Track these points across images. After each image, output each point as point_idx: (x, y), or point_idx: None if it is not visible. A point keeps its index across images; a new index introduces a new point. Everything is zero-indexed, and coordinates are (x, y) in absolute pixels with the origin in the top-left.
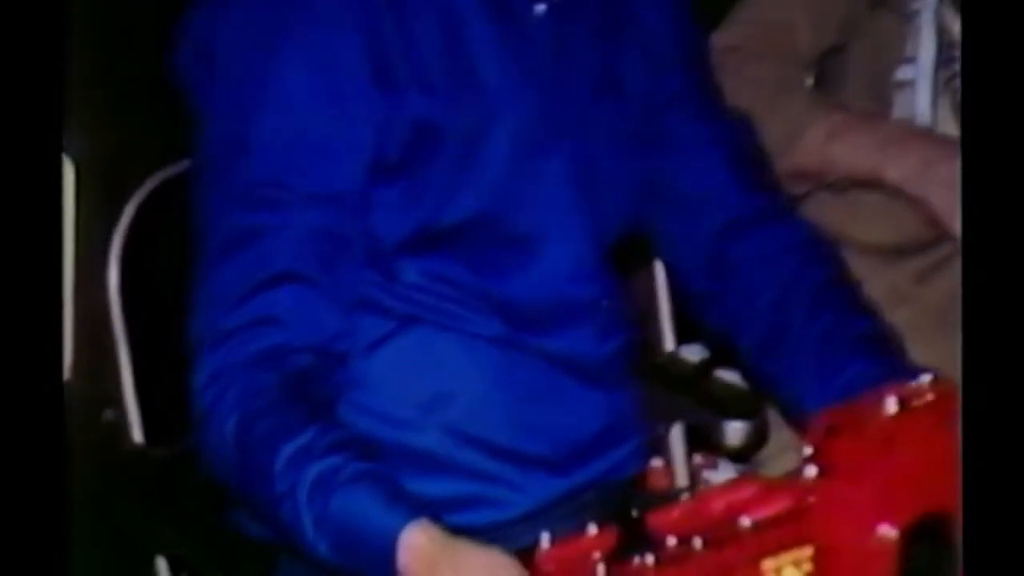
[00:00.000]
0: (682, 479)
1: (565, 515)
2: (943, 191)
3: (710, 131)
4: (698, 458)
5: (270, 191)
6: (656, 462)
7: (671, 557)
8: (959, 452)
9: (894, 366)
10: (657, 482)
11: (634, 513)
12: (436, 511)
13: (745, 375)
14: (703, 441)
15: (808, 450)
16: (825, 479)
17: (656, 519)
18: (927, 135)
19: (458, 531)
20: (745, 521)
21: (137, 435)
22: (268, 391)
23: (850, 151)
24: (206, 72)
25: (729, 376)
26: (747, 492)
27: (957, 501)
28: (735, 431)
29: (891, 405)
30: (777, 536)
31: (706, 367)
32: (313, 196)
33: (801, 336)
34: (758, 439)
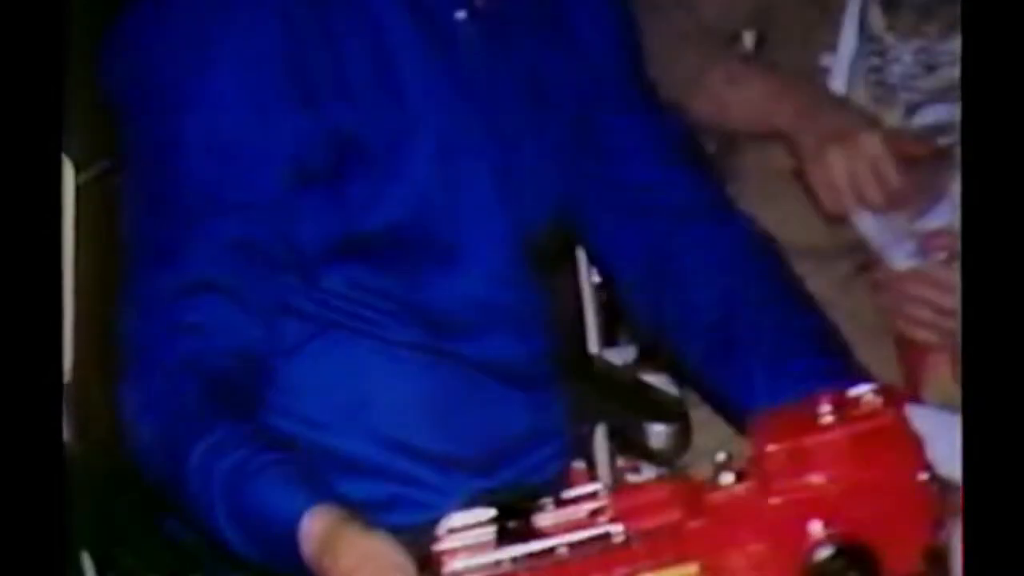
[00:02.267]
0: (605, 481)
1: None
2: (825, 146)
3: (649, 126)
4: (621, 461)
5: (192, 200)
6: (579, 464)
7: (533, 560)
8: (902, 478)
9: (842, 364)
10: (579, 484)
11: None
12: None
13: (684, 375)
14: (627, 443)
15: (722, 456)
16: (742, 485)
17: (542, 518)
18: (825, 92)
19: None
20: (617, 531)
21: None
22: (187, 395)
23: (745, 97)
24: (133, 82)
25: (654, 379)
26: (652, 496)
27: (886, 531)
28: (658, 434)
29: (826, 414)
30: (654, 550)
31: (631, 370)
32: (234, 206)
33: (750, 328)
34: (681, 442)
